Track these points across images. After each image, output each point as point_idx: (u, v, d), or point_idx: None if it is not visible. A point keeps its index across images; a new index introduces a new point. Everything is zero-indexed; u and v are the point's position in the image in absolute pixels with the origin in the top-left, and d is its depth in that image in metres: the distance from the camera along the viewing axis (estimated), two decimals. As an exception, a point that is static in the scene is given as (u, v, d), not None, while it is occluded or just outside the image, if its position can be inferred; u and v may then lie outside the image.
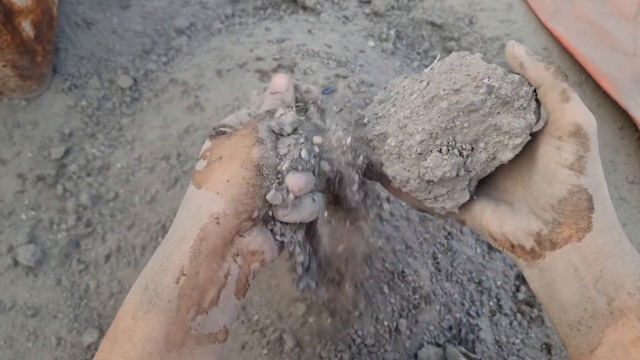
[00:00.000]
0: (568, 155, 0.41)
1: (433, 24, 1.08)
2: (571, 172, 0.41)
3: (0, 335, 0.69)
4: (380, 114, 0.48)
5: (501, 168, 0.47)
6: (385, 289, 0.71)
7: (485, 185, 0.50)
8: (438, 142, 0.43)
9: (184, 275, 0.38)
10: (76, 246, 0.76)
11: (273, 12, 1.06)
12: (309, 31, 0.99)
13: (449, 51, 1.07)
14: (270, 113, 0.45)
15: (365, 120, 0.49)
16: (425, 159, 0.44)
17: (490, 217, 0.47)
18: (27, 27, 0.79)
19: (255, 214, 0.41)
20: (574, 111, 0.41)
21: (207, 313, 0.38)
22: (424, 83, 0.45)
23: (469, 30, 1.08)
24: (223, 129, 0.44)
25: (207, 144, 0.44)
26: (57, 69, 0.89)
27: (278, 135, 0.45)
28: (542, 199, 0.43)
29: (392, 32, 1.05)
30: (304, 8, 1.06)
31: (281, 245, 0.46)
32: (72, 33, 0.94)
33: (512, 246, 0.45)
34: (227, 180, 0.40)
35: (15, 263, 0.74)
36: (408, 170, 0.45)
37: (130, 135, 0.86)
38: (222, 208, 0.39)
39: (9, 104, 0.85)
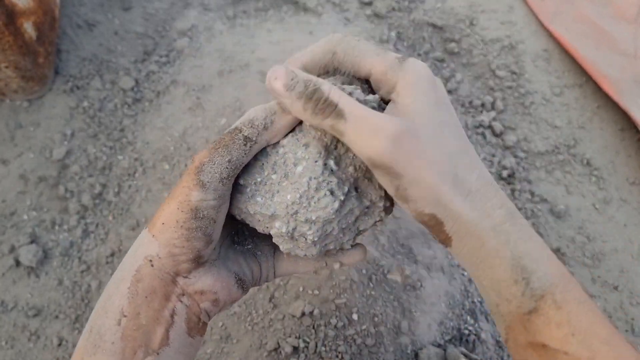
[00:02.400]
0: (390, 189, 0.37)
1: (434, 25, 1.08)
2: (402, 204, 0.38)
3: (2, 336, 0.69)
4: (259, 180, 0.40)
5: None
6: (386, 289, 0.71)
7: None
8: (334, 223, 0.39)
9: (125, 316, 0.37)
10: (78, 247, 0.76)
11: (274, 14, 1.06)
12: (310, 32, 1.00)
13: (449, 53, 1.07)
14: (234, 134, 0.38)
15: (241, 182, 0.40)
16: (325, 244, 0.41)
17: None
18: (29, 29, 0.79)
19: (196, 255, 0.39)
20: (353, 146, 0.36)
21: (157, 354, 0.37)
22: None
23: (469, 32, 1.08)
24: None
25: None
26: (59, 70, 0.90)
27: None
28: None
29: (393, 34, 1.05)
30: (305, 10, 1.07)
31: (244, 286, 0.44)
32: (74, 34, 0.95)
33: None
34: (163, 223, 0.38)
35: (17, 263, 0.74)
36: (303, 250, 0.41)
37: (131, 136, 0.86)
38: (155, 251, 0.38)
39: (11, 105, 0.85)
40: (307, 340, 0.67)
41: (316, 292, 0.69)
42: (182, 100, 0.88)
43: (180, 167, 0.81)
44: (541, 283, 0.35)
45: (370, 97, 0.38)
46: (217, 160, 0.37)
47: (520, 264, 0.35)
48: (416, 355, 0.69)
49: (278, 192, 0.39)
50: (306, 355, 0.66)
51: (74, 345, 0.69)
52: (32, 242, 0.75)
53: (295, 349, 0.67)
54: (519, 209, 0.86)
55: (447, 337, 0.71)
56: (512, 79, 1.03)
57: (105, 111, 0.88)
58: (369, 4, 1.10)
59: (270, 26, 1.01)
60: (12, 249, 0.75)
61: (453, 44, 1.06)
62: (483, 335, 0.73)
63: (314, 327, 0.68)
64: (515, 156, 0.94)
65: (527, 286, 0.35)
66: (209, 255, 0.40)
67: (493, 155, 0.93)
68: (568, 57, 1.05)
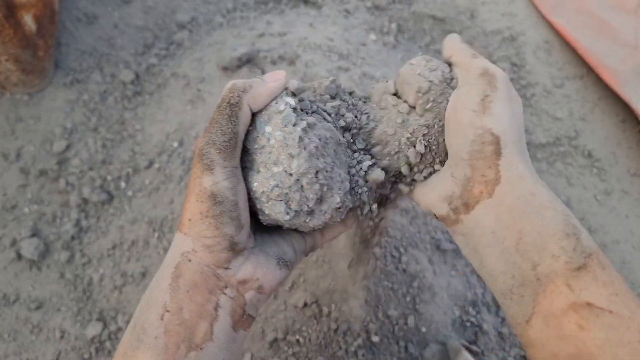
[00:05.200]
0: (474, 96, 0.40)
1: (434, 17, 1.08)
2: (474, 113, 0.39)
3: (5, 329, 0.70)
4: (251, 159, 0.42)
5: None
6: (388, 282, 0.71)
7: None
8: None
9: (168, 311, 0.37)
10: (79, 240, 0.76)
11: (274, 6, 1.06)
12: (311, 24, 0.99)
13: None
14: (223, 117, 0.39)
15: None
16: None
17: (418, 188, 0.45)
18: (29, 22, 0.79)
19: (230, 243, 0.38)
20: (483, 61, 0.43)
21: (201, 349, 0.37)
22: None
23: (470, 24, 1.08)
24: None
25: None
26: (59, 63, 0.89)
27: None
28: (455, 155, 0.41)
29: (394, 26, 1.05)
30: (305, 2, 1.06)
31: (287, 265, 0.43)
32: (74, 27, 0.94)
33: (435, 216, 0.43)
34: (189, 219, 0.38)
35: (19, 257, 0.74)
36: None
37: (132, 129, 0.86)
38: (190, 246, 0.38)
39: (11, 98, 0.85)
40: (310, 331, 0.67)
41: (318, 283, 0.70)
42: (183, 93, 0.88)
43: (180, 159, 0.81)
44: (588, 242, 0.35)
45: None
46: (213, 137, 0.38)
47: (571, 221, 0.36)
48: (420, 349, 0.69)
49: (253, 174, 0.40)
50: (308, 347, 0.67)
51: (76, 338, 0.69)
52: (33, 235, 0.75)
53: (298, 340, 0.67)
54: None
55: (450, 329, 0.71)
56: (513, 71, 1.02)
57: (106, 104, 0.88)
58: (369, -4, 1.10)
59: (270, 18, 1.01)
60: (14, 242, 0.75)
61: (454, 36, 1.06)
62: (485, 327, 0.73)
63: (316, 318, 0.68)
64: (517, 148, 0.93)
65: (578, 242, 0.35)
66: (245, 242, 0.40)
67: (494, 147, 0.93)
68: (569, 48, 1.05)
